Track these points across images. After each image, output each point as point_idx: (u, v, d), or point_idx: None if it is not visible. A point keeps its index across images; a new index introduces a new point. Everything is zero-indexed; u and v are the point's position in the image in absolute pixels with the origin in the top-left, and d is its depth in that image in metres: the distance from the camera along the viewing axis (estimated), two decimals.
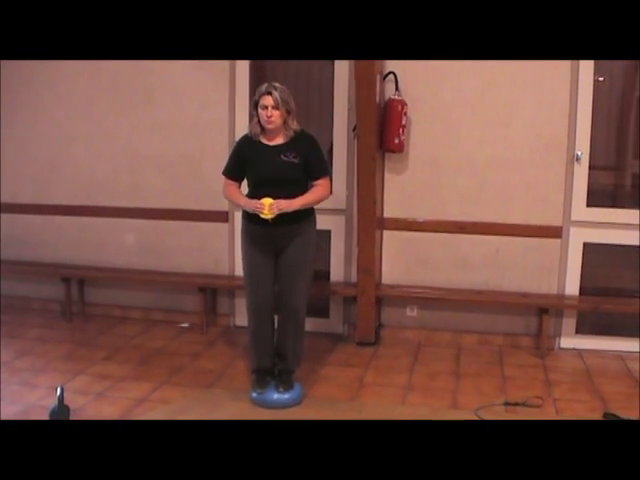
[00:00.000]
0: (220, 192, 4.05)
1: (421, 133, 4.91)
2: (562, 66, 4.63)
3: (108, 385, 4.22)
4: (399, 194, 5.00)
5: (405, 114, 4.75)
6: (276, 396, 3.92)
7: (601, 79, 4.77)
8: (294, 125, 3.79)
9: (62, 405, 3.59)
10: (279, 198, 3.67)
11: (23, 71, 5.52)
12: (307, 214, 3.88)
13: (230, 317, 5.50)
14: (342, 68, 4.96)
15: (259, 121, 3.78)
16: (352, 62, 4.59)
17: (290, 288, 3.91)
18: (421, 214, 5.00)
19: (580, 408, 3.93)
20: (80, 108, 5.53)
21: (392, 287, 5.07)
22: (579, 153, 4.71)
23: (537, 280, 4.91)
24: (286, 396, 3.93)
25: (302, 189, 3.82)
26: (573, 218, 4.82)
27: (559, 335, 4.95)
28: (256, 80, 5.03)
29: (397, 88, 4.79)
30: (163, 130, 5.38)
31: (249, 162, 3.85)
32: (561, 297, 4.90)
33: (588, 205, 4.80)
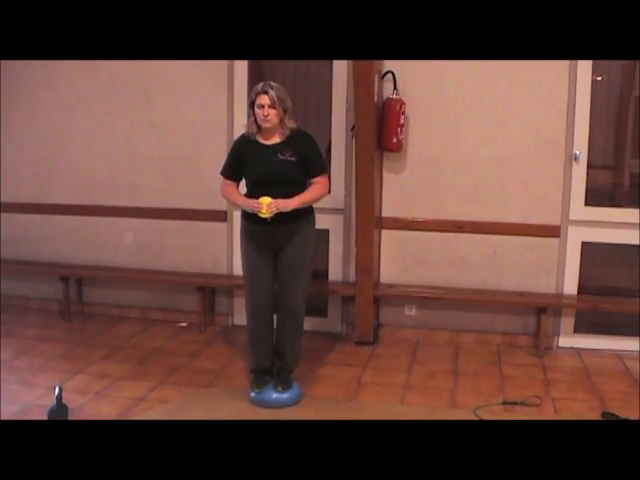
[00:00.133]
0: (218, 191, 4.05)
1: (419, 132, 4.91)
2: (560, 66, 4.63)
3: (106, 384, 4.22)
4: (397, 193, 5.00)
5: (403, 113, 4.75)
6: (275, 395, 3.92)
7: (599, 78, 4.78)
8: (290, 124, 3.79)
9: (60, 404, 3.58)
10: (277, 197, 3.67)
11: (21, 70, 5.50)
12: (306, 213, 3.88)
13: (229, 316, 5.50)
14: (340, 68, 4.96)
15: (256, 120, 3.78)
16: (350, 62, 4.59)
17: (289, 287, 3.91)
18: (419, 213, 5.00)
19: (578, 407, 3.93)
20: (78, 107, 5.53)
21: (390, 286, 5.07)
22: (577, 152, 4.71)
23: (535, 279, 4.91)
24: (285, 395, 3.93)
25: (300, 187, 3.82)
26: (571, 217, 4.82)
27: (557, 334, 4.96)
28: (254, 80, 5.01)
29: (395, 87, 4.78)
30: (161, 130, 5.37)
31: (246, 162, 3.85)
32: (559, 296, 4.90)
33: (586, 204, 4.80)
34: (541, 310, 4.79)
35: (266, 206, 3.64)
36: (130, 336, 5.20)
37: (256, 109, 3.74)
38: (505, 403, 3.95)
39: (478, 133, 4.84)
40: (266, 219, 3.67)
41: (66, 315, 5.61)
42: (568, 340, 4.95)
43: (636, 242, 4.72)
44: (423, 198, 4.98)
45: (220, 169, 4.01)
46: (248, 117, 3.86)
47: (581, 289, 4.90)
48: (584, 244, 4.85)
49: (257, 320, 3.96)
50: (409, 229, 5.03)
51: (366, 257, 4.81)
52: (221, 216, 5.34)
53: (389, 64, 4.78)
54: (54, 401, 3.58)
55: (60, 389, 3.61)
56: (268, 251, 3.88)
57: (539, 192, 4.81)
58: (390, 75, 4.78)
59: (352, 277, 5.04)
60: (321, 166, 3.94)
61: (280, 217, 3.69)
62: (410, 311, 5.15)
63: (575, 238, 4.84)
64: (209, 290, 5.43)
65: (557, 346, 4.96)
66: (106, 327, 5.41)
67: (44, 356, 4.72)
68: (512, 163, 4.82)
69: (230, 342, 5.10)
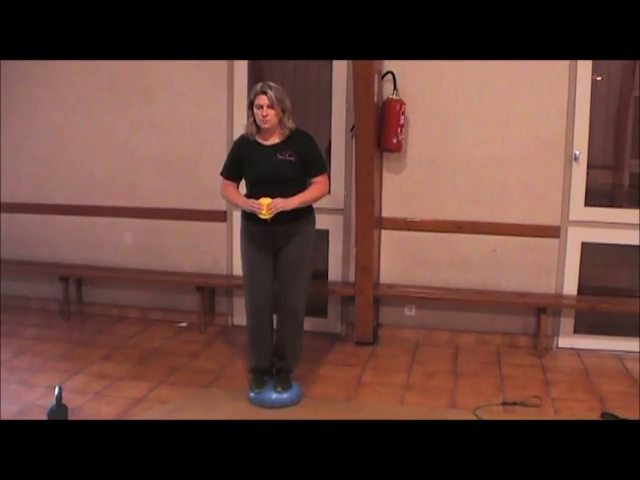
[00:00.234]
0: (218, 191, 4.05)
1: (419, 133, 4.91)
2: (560, 66, 4.63)
3: (106, 384, 4.22)
4: (397, 194, 5.00)
5: (403, 114, 4.75)
6: (274, 396, 3.91)
7: (599, 78, 4.78)
8: (290, 124, 3.79)
9: (60, 404, 3.58)
10: (277, 197, 3.67)
11: (21, 70, 5.50)
12: (306, 213, 3.88)
13: (228, 316, 5.50)
14: (340, 68, 4.96)
15: (255, 121, 3.78)
16: (350, 62, 4.59)
17: (289, 287, 3.91)
18: (419, 214, 5.00)
19: (578, 408, 3.93)
20: (78, 107, 5.53)
21: (390, 287, 5.07)
22: (577, 152, 4.71)
23: (535, 280, 4.91)
24: (284, 396, 3.92)
25: (300, 187, 3.81)
26: (571, 218, 4.82)
27: (557, 335, 4.96)
28: (254, 80, 5.01)
29: (395, 88, 4.78)
30: (161, 129, 5.37)
31: (246, 162, 3.85)
32: (559, 297, 4.90)
33: (586, 205, 4.80)
34: (541, 310, 4.79)
35: (266, 207, 3.64)
36: (130, 336, 5.20)
37: (255, 109, 3.74)
38: (505, 403, 3.95)
39: (478, 133, 4.84)
40: (266, 220, 3.67)
41: (66, 315, 5.61)
42: (568, 340, 4.94)
43: (636, 242, 4.72)
44: (423, 198, 4.98)
45: (220, 169, 4.01)
46: (247, 118, 3.86)
47: (581, 289, 4.90)
48: (584, 244, 4.85)
49: (257, 320, 3.95)
50: (409, 229, 5.03)
51: (366, 257, 4.81)
52: (221, 216, 5.33)
53: (389, 64, 4.78)
54: (54, 401, 3.57)
55: (60, 389, 3.60)
56: (268, 251, 3.88)
57: (539, 192, 4.81)
58: (390, 75, 4.78)
59: (352, 277, 5.04)
60: (321, 166, 3.93)
61: (280, 217, 3.69)
62: (410, 311, 5.15)
63: (575, 238, 4.84)
64: (209, 290, 5.43)
65: (557, 346, 4.96)
66: (106, 327, 5.41)
67: (44, 356, 4.72)
68: (512, 163, 4.82)
69: (230, 342, 5.10)
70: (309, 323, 4.71)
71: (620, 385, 4.29)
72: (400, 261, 5.10)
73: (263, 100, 3.69)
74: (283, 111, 3.74)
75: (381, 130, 4.73)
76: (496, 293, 4.93)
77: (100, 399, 4.01)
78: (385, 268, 5.12)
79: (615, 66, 4.88)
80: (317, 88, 5.32)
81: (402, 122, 4.75)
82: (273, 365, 4.06)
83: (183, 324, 5.47)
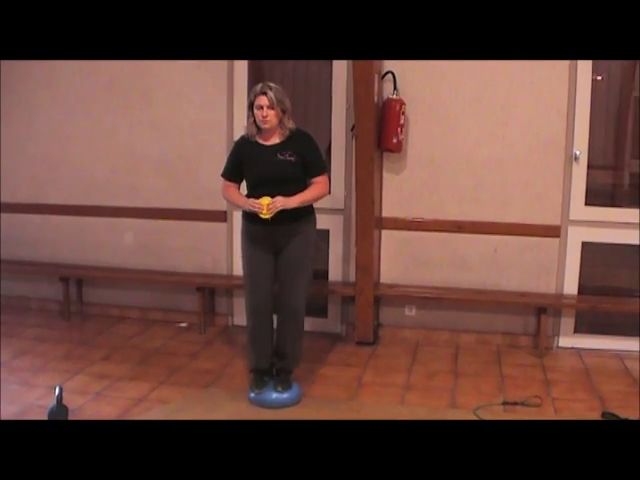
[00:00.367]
0: (218, 192, 4.05)
1: (419, 133, 4.91)
2: (560, 66, 4.62)
3: (106, 385, 4.22)
4: (397, 194, 5.00)
5: (403, 114, 4.75)
6: (274, 396, 3.91)
7: (599, 78, 4.77)
8: (290, 124, 3.79)
9: (61, 405, 3.58)
10: (277, 197, 3.67)
11: (20, 70, 5.50)
12: (307, 213, 3.88)
13: (228, 317, 5.50)
14: (340, 68, 4.95)
15: (255, 121, 3.78)
16: (350, 62, 4.59)
17: (290, 288, 3.91)
18: (419, 214, 5.00)
19: (579, 407, 3.93)
20: (78, 107, 5.53)
21: (390, 287, 5.07)
22: (577, 152, 4.71)
23: (535, 279, 4.91)
24: (284, 396, 3.92)
25: (300, 187, 3.81)
26: (571, 217, 4.82)
27: (557, 334, 4.95)
28: (254, 80, 5.02)
29: (395, 88, 4.78)
30: (161, 130, 5.37)
31: (246, 162, 3.85)
32: (559, 296, 4.90)
33: (586, 204, 4.80)
34: (541, 310, 4.78)
35: (266, 206, 3.64)
36: (130, 336, 5.20)
37: (255, 110, 3.74)
38: (505, 403, 3.95)
39: (478, 133, 4.84)
40: (267, 219, 3.67)
41: (66, 315, 5.61)
42: (568, 340, 4.94)
43: (636, 242, 4.72)
44: (423, 198, 4.98)
45: (220, 170, 4.01)
46: (247, 118, 3.86)
47: (581, 289, 4.90)
48: (584, 244, 4.85)
49: (257, 320, 3.95)
50: (409, 229, 5.03)
51: (366, 257, 4.81)
52: (221, 216, 5.33)
53: (389, 64, 4.78)
54: (54, 401, 3.57)
55: (60, 389, 3.60)
56: (269, 251, 3.88)
57: (539, 192, 4.81)
58: (390, 75, 4.78)
59: (352, 277, 5.04)
60: (321, 166, 3.93)
61: (281, 217, 3.69)
62: (410, 311, 5.15)
63: (575, 238, 4.84)
64: (209, 290, 5.43)
65: (557, 346, 4.96)
66: (106, 327, 5.41)
67: (44, 356, 4.71)
68: (512, 163, 4.82)
69: (230, 342, 5.10)
70: (309, 323, 4.71)
71: (620, 385, 4.29)
72: (400, 261, 5.10)
73: (263, 101, 3.69)
74: (283, 112, 3.74)
75: (381, 130, 4.73)
76: (496, 293, 4.93)
77: (100, 399, 4.01)
78: (385, 268, 5.12)
79: (615, 66, 4.89)
80: (317, 88, 5.32)
81: (402, 122, 4.75)
82: (273, 365, 4.06)
83: (183, 324, 5.47)
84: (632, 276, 4.85)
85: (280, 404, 3.88)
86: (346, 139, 5.00)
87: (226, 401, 3.99)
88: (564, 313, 4.93)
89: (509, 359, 4.74)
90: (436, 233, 5.00)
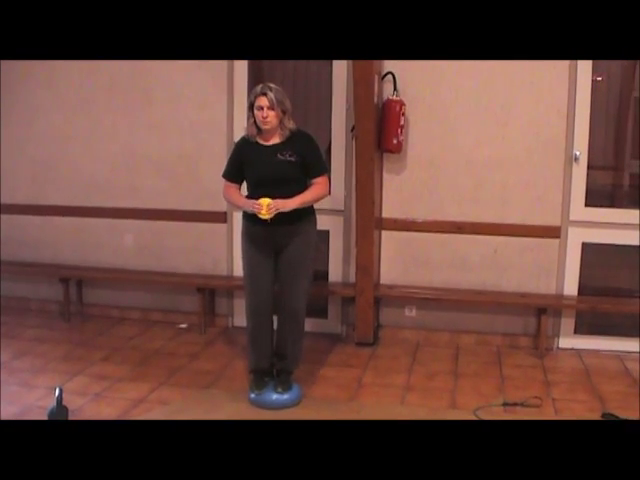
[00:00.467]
0: (218, 192, 4.05)
1: (419, 133, 4.91)
2: (560, 66, 4.63)
3: (106, 386, 4.22)
4: (397, 194, 5.00)
5: (403, 114, 4.75)
6: (275, 396, 3.91)
7: (599, 79, 4.77)
8: (290, 125, 3.79)
9: (61, 406, 3.58)
10: (277, 197, 3.67)
11: (20, 71, 5.51)
12: (307, 213, 3.88)
13: (229, 317, 5.50)
14: (340, 68, 4.96)
15: (255, 122, 3.78)
16: (350, 62, 4.59)
17: (290, 289, 3.91)
18: (419, 214, 5.00)
19: (579, 408, 3.93)
20: (78, 108, 5.53)
21: (390, 287, 5.07)
22: (577, 153, 4.71)
23: (535, 280, 4.91)
24: (285, 397, 3.92)
25: (300, 188, 3.81)
26: (571, 218, 4.82)
27: (558, 335, 4.95)
28: (254, 80, 5.03)
29: (395, 88, 4.78)
30: (161, 130, 5.37)
31: (247, 163, 3.85)
32: (560, 297, 4.90)
33: (586, 205, 4.80)
34: (541, 311, 4.78)
35: (266, 207, 3.64)
36: (130, 337, 5.20)
37: (255, 111, 3.74)
38: (505, 404, 3.94)
39: (478, 134, 4.84)
40: (266, 220, 3.67)
41: (66, 316, 5.61)
42: (568, 341, 4.94)
43: (636, 243, 4.72)
44: (423, 199, 4.98)
45: (221, 171, 4.01)
46: (248, 119, 3.86)
47: (581, 290, 4.89)
48: (584, 245, 4.85)
49: (257, 321, 3.95)
50: (409, 230, 5.03)
51: (366, 258, 4.81)
52: (221, 217, 5.33)
53: (389, 65, 4.78)
54: (54, 402, 3.57)
55: (60, 390, 3.60)
56: (269, 252, 3.88)
57: (539, 193, 4.81)
58: (390, 76, 4.78)
59: (352, 278, 5.04)
60: (321, 167, 3.93)
61: (281, 218, 3.69)
62: (410, 312, 5.15)
63: (575, 239, 4.84)
64: (209, 291, 5.43)
65: (557, 347, 4.96)
66: (106, 328, 5.41)
67: (44, 357, 4.71)
68: (512, 164, 4.82)
69: (230, 343, 5.09)
70: (309, 324, 4.70)
71: (620, 385, 4.28)
72: (400, 262, 5.10)
73: (263, 101, 3.70)
74: (283, 112, 3.74)
75: (381, 131, 4.73)
76: (496, 294, 4.93)
77: (100, 400, 4.01)
78: (385, 269, 5.12)
79: (615, 66, 4.89)
80: (317, 89, 5.33)
81: (402, 123, 4.75)
82: (273, 366, 4.06)
83: (183, 325, 5.47)
84: (632, 277, 4.85)
85: (280, 405, 3.88)
86: (346, 140, 5.00)
87: (226, 402, 3.98)
88: (564, 314, 4.93)
89: (509, 360, 4.73)
90: (436, 234, 5.00)
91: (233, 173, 3.95)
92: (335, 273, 5.24)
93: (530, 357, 4.78)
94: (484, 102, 4.80)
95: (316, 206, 3.97)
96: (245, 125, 3.95)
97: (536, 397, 4.00)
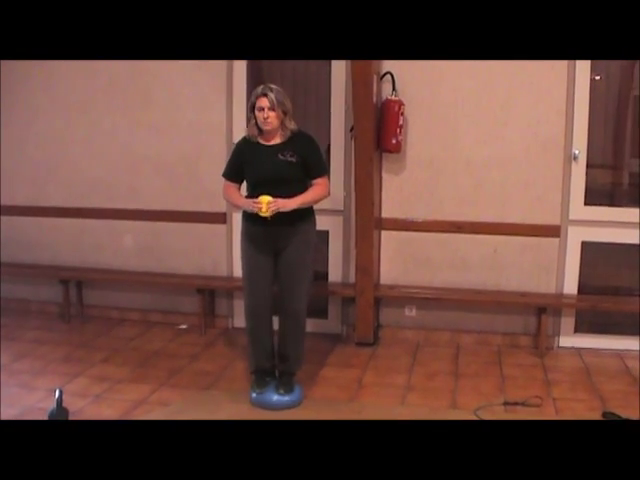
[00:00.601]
0: (218, 193, 4.05)
1: (418, 133, 4.91)
2: (559, 65, 4.62)
3: (107, 387, 4.22)
4: (397, 194, 5.00)
5: (402, 114, 4.75)
6: (276, 398, 3.90)
7: (598, 78, 4.78)
8: (291, 125, 3.79)
9: (61, 407, 3.57)
10: (277, 197, 3.67)
11: (20, 72, 5.50)
12: (306, 214, 3.88)
13: (229, 318, 5.49)
14: (339, 68, 4.96)
15: (256, 123, 3.78)
16: (349, 62, 4.59)
17: (291, 290, 3.90)
18: (419, 214, 5.00)
19: (579, 407, 3.93)
20: (77, 109, 5.52)
21: (390, 287, 5.07)
22: (576, 152, 4.71)
23: (535, 279, 4.91)
24: (286, 398, 3.91)
25: (300, 188, 3.81)
26: (571, 217, 4.82)
27: (558, 334, 4.95)
28: (253, 81, 5.03)
29: (394, 88, 4.78)
30: (161, 131, 5.37)
31: (247, 162, 3.85)
32: (560, 296, 4.90)
33: (586, 204, 4.80)
34: (541, 310, 4.78)
35: (266, 204, 3.63)
36: (130, 338, 5.20)
37: (256, 112, 3.75)
38: (506, 404, 3.94)
39: (477, 133, 4.84)
40: (266, 218, 3.66)
41: (66, 318, 5.61)
42: (569, 340, 4.94)
43: (636, 241, 4.72)
44: (423, 199, 4.98)
45: (220, 171, 4.01)
46: (249, 120, 3.86)
47: (581, 289, 4.90)
48: (584, 244, 4.85)
49: (256, 321, 3.95)
50: (409, 230, 5.03)
51: (366, 258, 4.81)
52: (221, 218, 5.33)
53: (388, 65, 4.78)
54: (54, 404, 3.57)
55: (60, 392, 3.60)
56: (268, 252, 3.88)
57: (538, 192, 4.80)
58: (389, 76, 4.78)
59: (352, 278, 5.03)
60: (322, 168, 3.94)
61: (280, 218, 3.69)
62: (410, 312, 5.14)
63: (575, 238, 4.84)
64: (209, 292, 5.43)
65: (558, 346, 4.96)
66: (106, 330, 5.40)
67: (44, 359, 4.71)
68: (511, 163, 4.82)
69: (230, 344, 5.09)
70: (310, 324, 4.68)
71: (621, 384, 4.28)
72: (400, 262, 5.10)
73: (264, 102, 3.70)
74: (284, 113, 3.75)
75: (380, 131, 4.73)
76: (496, 293, 4.93)
77: (101, 402, 4.00)
78: (385, 269, 5.12)
79: (614, 66, 4.89)
80: (316, 89, 5.33)
81: (401, 123, 4.75)
82: (275, 367, 4.05)
83: (183, 326, 5.47)
84: (632, 275, 4.85)
85: (281, 407, 3.87)
86: (345, 140, 5.00)
87: (226, 403, 3.98)
88: (564, 313, 4.93)
89: (509, 359, 4.73)
90: (436, 234, 5.00)
91: (233, 173, 3.95)
92: (335, 273, 5.24)
93: (530, 356, 4.78)
94: (483, 102, 4.80)
95: (315, 206, 3.97)
96: (246, 126, 3.95)
97: (537, 397, 3.99)
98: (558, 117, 4.70)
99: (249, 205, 3.72)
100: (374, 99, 4.50)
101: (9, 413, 3.74)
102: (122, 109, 5.42)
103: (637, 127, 4.87)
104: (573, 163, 4.74)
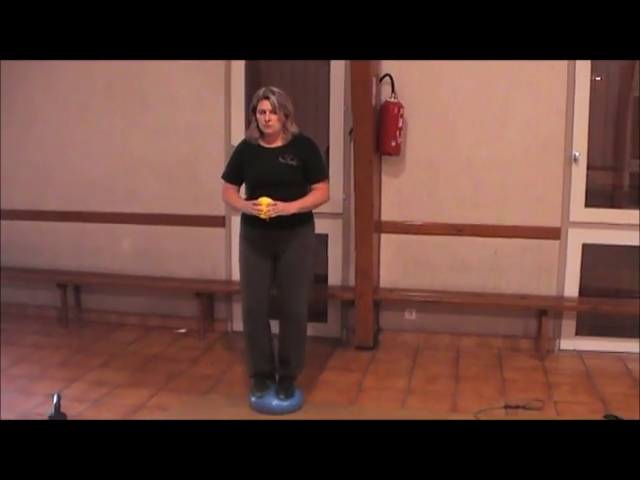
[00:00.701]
0: (217, 196, 4.04)
1: (418, 135, 4.89)
2: (559, 66, 4.62)
3: (105, 392, 4.19)
4: (396, 197, 4.99)
5: (401, 116, 4.74)
6: (275, 402, 3.87)
7: (598, 79, 4.77)
8: (293, 128, 3.78)
9: (59, 412, 3.55)
10: (277, 200, 3.65)
11: (17, 74, 5.50)
12: (305, 217, 3.86)
13: (228, 322, 5.47)
14: (338, 70, 4.94)
15: (258, 126, 3.77)
16: (348, 64, 4.58)
17: (290, 294, 3.88)
18: (419, 217, 4.99)
19: (581, 410, 3.92)
20: (75, 112, 5.51)
21: (390, 290, 5.05)
22: (577, 153, 4.70)
23: (536, 282, 4.89)
24: (286, 403, 3.88)
25: (300, 192, 3.79)
26: (571, 219, 4.81)
27: (559, 337, 4.94)
28: (251, 82, 5.02)
29: (393, 90, 4.77)
30: (159, 134, 5.35)
31: (247, 164, 3.84)
32: (560, 298, 4.88)
33: (586, 206, 4.79)
34: (542, 313, 4.77)
35: (265, 206, 3.62)
36: (128, 343, 5.17)
37: (258, 115, 3.73)
38: (507, 407, 3.93)
39: (477, 135, 4.83)
40: (265, 220, 3.64)
41: (64, 322, 5.58)
42: (569, 342, 4.93)
43: (637, 243, 4.71)
44: (422, 201, 4.96)
45: (219, 174, 3.99)
46: (250, 123, 3.85)
47: (582, 291, 4.88)
48: (584, 246, 4.83)
49: (254, 325, 3.93)
50: (408, 233, 5.01)
51: (365, 261, 4.79)
52: (219, 221, 5.31)
53: (387, 67, 4.77)
54: (53, 409, 3.55)
55: (58, 397, 3.58)
56: (267, 256, 3.86)
57: (539, 194, 4.79)
58: (388, 78, 4.77)
59: (352, 282, 5.01)
60: (322, 172, 3.92)
61: (279, 222, 3.67)
62: (410, 315, 5.13)
63: (575, 240, 4.82)
64: (208, 296, 5.40)
65: (558, 349, 4.94)
66: (104, 334, 5.38)
67: (42, 364, 4.69)
68: (511, 165, 4.81)
69: (229, 348, 5.07)
70: (309, 328, 4.62)
71: (622, 386, 4.27)
72: (400, 265, 5.08)
73: (266, 105, 3.69)
74: (286, 116, 3.74)
75: (379, 133, 4.71)
76: (497, 296, 4.91)
77: (99, 406, 3.98)
78: (385, 272, 5.10)
79: (614, 66, 4.88)
80: (315, 92, 5.31)
81: (400, 125, 4.74)
82: (275, 371, 4.03)
83: (182, 330, 5.45)
84: (633, 277, 4.83)
85: (281, 412, 3.84)
86: (344, 142, 4.98)
87: (226, 407, 3.96)
88: (565, 315, 4.92)
89: (510, 362, 4.71)
90: (436, 236, 4.99)
91: (233, 174, 3.94)
92: (334, 277, 5.22)
93: (531, 359, 4.76)
94: (483, 103, 4.79)
95: (315, 210, 3.95)
96: (246, 129, 3.93)
97: (538, 400, 3.97)
98: (558, 118, 4.69)
99: (249, 207, 3.70)
100: (373, 101, 4.49)
101: (7, 418, 3.71)
102: (120, 111, 5.41)
103: (637, 128, 4.86)
104: (573, 164, 4.72)
